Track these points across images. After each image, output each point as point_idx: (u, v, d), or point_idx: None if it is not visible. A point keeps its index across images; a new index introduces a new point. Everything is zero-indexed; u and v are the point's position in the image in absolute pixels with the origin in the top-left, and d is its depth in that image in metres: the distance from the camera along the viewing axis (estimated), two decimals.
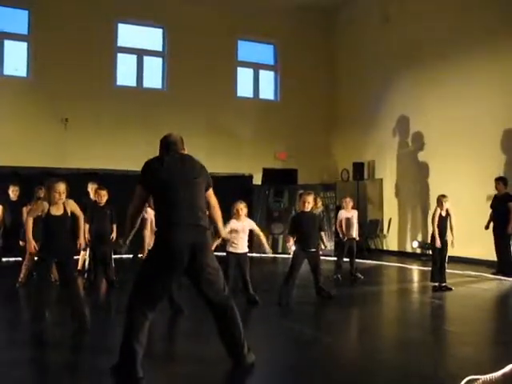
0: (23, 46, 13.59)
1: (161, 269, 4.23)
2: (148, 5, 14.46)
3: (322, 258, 7.88)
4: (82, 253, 9.63)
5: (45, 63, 13.35)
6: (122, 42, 14.57)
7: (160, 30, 15.15)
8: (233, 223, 7.34)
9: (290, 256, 7.69)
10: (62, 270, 5.92)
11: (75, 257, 6.58)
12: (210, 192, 4.58)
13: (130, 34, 14.79)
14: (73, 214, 6.08)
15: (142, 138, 13.62)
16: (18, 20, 13.46)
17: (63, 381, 4.37)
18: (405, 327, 6.45)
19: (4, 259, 10.14)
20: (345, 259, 9.87)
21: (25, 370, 4.55)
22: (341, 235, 9.90)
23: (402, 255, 13.91)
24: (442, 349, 5.57)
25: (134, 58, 14.83)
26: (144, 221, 7.70)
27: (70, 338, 5.60)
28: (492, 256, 10.65)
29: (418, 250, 13.59)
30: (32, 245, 6.06)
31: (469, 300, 8.18)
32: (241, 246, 7.34)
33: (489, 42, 11.82)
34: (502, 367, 4.39)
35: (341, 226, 9.86)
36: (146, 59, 15.00)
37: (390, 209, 14.79)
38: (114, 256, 8.78)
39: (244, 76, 16.19)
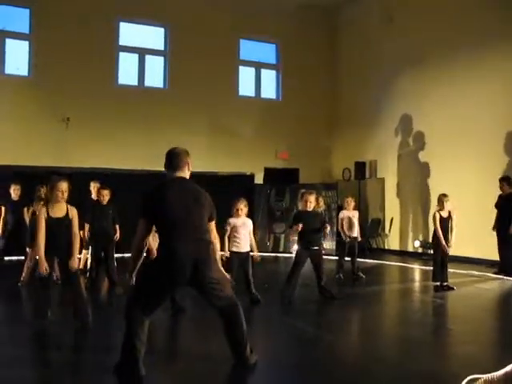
0: (25, 44, 13.58)
1: (162, 282, 4.25)
2: (150, 4, 14.45)
3: (324, 257, 7.89)
4: (84, 252, 9.65)
5: (46, 62, 13.31)
6: (123, 40, 14.55)
7: (162, 29, 15.13)
8: (232, 220, 7.36)
9: (292, 255, 7.70)
10: (65, 268, 5.92)
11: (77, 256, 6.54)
12: (213, 225, 4.52)
13: (131, 33, 14.76)
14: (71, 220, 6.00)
15: (143, 137, 13.65)
16: (19, 18, 13.44)
17: (65, 379, 4.38)
18: (406, 326, 6.45)
19: (6, 258, 10.15)
20: (346, 258, 9.87)
21: (27, 369, 4.55)
22: (342, 235, 9.89)
23: (403, 254, 13.91)
24: (443, 348, 5.58)
25: (135, 56, 14.81)
26: None
27: (72, 336, 5.61)
28: (494, 256, 10.65)
29: (420, 250, 13.58)
30: (43, 266, 5.70)
31: (470, 299, 8.18)
32: (243, 244, 7.34)
33: (491, 42, 11.79)
34: (504, 366, 4.39)
35: (342, 226, 9.86)
36: (148, 58, 14.98)
37: (392, 208, 14.78)
38: (115, 255, 8.78)
39: (246, 75, 16.17)
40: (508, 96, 11.48)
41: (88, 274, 8.93)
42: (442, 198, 8.78)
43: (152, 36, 15.12)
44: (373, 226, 15.06)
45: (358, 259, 10.05)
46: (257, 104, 15.98)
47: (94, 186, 9.51)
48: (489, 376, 4.14)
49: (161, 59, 15.11)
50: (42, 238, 5.72)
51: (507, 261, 10.22)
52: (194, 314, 6.62)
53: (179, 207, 4.26)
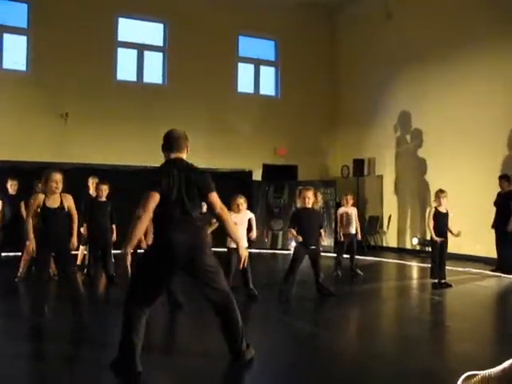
0: (23, 39, 13.54)
1: (158, 269, 4.25)
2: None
3: (322, 254, 7.88)
4: (82, 248, 9.64)
5: (45, 57, 13.29)
6: (122, 36, 14.52)
7: (161, 25, 15.10)
8: (232, 215, 7.32)
9: (290, 252, 7.69)
10: (61, 263, 5.92)
11: (74, 252, 6.54)
12: (214, 196, 4.38)
13: (130, 29, 14.74)
14: (68, 210, 6.05)
15: (142, 132, 13.63)
16: (17, 13, 13.41)
17: (62, 375, 4.37)
18: (404, 323, 6.45)
19: (3, 254, 10.13)
20: (345, 256, 9.87)
21: (24, 364, 4.55)
22: (339, 232, 9.90)
23: (401, 252, 13.92)
24: (441, 345, 5.59)
25: (134, 52, 14.79)
26: None
27: (69, 332, 5.61)
28: (491, 253, 10.66)
29: (418, 247, 13.60)
30: (32, 246, 5.91)
31: (468, 297, 8.19)
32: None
33: (490, 41, 11.78)
34: (501, 363, 4.39)
35: (341, 222, 9.86)
36: (147, 54, 14.96)
37: (390, 205, 14.79)
38: (113, 251, 8.77)
39: (245, 72, 16.16)
40: (507, 94, 11.48)
41: (86, 270, 8.92)
42: (439, 194, 8.78)
43: (151, 32, 15.10)
44: (371, 224, 15.07)
45: (356, 256, 10.06)
46: (256, 101, 15.96)
47: (92, 182, 9.49)
48: (486, 373, 4.14)
49: (160, 55, 15.08)
50: (30, 222, 5.92)
51: (505, 258, 10.22)
52: (191, 310, 6.61)
53: (178, 189, 4.26)
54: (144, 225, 4.23)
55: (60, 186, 5.86)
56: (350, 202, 9.99)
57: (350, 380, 4.31)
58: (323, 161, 16.57)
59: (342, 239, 9.84)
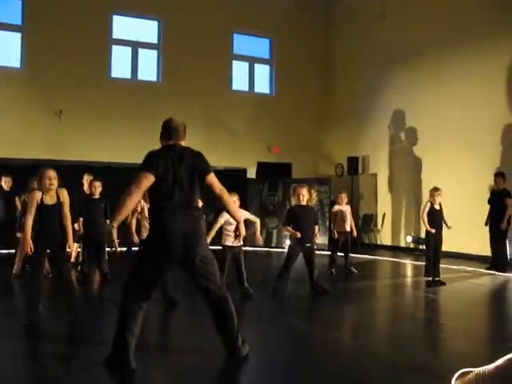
0: (17, 36, 13.48)
1: (155, 257, 4.24)
2: None
3: (316, 252, 7.89)
4: (76, 245, 9.62)
5: (39, 54, 13.23)
6: (116, 33, 14.48)
7: (155, 23, 15.07)
8: (226, 215, 7.32)
9: (285, 250, 7.69)
10: (55, 260, 5.91)
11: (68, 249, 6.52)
12: (212, 177, 4.39)
13: (124, 26, 14.70)
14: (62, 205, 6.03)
15: (136, 130, 13.58)
16: (11, 10, 13.34)
17: (57, 373, 4.36)
18: (399, 321, 6.46)
19: None
20: (339, 253, 9.89)
21: (18, 362, 4.54)
22: (333, 230, 9.92)
23: (395, 250, 13.94)
24: (435, 342, 5.60)
25: (128, 50, 14.75)
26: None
27: (64, 329, 5.60)
28: (485, 251, 10.69)
29: (412, 245, 13.63)
30: (28, 246, 5.82)
31: (462, 295, 8.21)
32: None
33: (484, 39, 11.81)
34: (495, 360, 4.41)
35: (335, 220, 9.87)
36: (141, 51, 14.92)
37: (384, 203, 14.82)
38: (107, 249, 8.75)
39: (239, 69, 16.14)
40: (501, 93, 11.52)
41: (80, 267, 8.89)
42: (433, 193, 8.82)
43: (145, 29, 15.06)
44: (365, 222, 15.10)
45: (351, 254, 10.07)
46: (250, 99, 15.95)
47: (87, 179, 9.47)
48: (480, 370, 4.17)
49: (154, 53, 15.05)
50: (30, 219, 5.80)
51: (499, 256, 10.26)
52: (186, 307, 6.61)
53: (175, 174, 4.24)
54: (133, 202, 4.21)
55: (55, 182, 5.85)
56: (345, 200, 10.01)
57: (345, 378, 4.31)
58: (317, 159, 16.57)
59: (337, 237, 9.86)
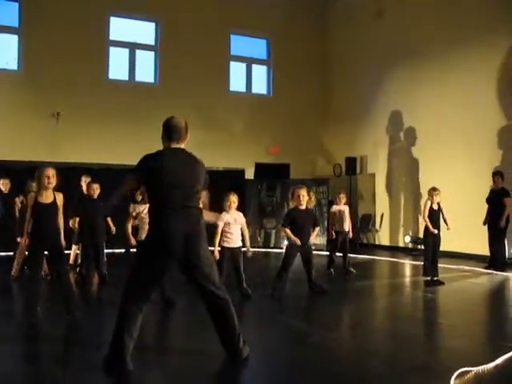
0: (14, 38, 13.47)
1: (155, 258, 4.23)
2: None
3: (314, 252, 7.90)
4: (74, 247, 9.62)
5: (36, 56, 13.24)
6: (114, 35, 14.48)
7: (152, 24, 15.08)
8: (225, 216, 7.33)
9: (283, 250, 7.69)
10: (53, 261, 5.90)
11: (67, 251, 6.52)
12: (203, 192, 4.63)
13: (122, 28, 14.70)
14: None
15: (134, 131, 13.60)
16: (8, 12, 13.33)
17: (54, 374, 4.35)
18: (397, 321, 6.46)
19: None
20: (337, 254, 9.89)
21: (16, 364, 4.53)
22: (331, 230, 9.92)
23: (394, 250, 13.94)
24: (434, 342, 5.61)
25: (126, 51, 14.75)
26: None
27: (62, 331, 5.58)
28: (484, 250, 10.70)
29: (410, 245, 13.63)
30: (25, 241, 5.93)
31: (461, 294, 8.21)
32: (235, 239, 7.32)
33: (481, 37, 11.82)
34: (494, 359, 4.41)
35: (334, 220, 9.87)
36: (139, 53, 14.92)
37: (383, 204, 14.82)
38: (105, 250, 8.74)
39: (237, 70, 16.15)
40: (499, 89, 11.53)
41: (78, 269, 8.88)
42: (431, 193, 8.83)
43: (143, 31, 15.05)
44: (363, 222, 15.10)
45: (349, 254, 10.07)
46: (248, 99, 15.96)
47: (85, 181, 9.45)
48: (479, 369, 4.16)
49: (151, 54, 15.05)
50: (28, 220, 5.88)
51: (498, 256, 10.27)
52: (183, 308, 6.61)
53: (175, 178, 4.24)
54: (121, 195, 4.43)
55: (53, 181, 5.85)
56: (343, 200, 10.01)
57: (344, 377, 4.31)
58: (315, 159, 16.59)
59: (335, 237, 9.86)
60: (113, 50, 14.53)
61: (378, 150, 14.92)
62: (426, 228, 8.83)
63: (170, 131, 4.43)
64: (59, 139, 13.09)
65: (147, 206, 6.74)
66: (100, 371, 4.16)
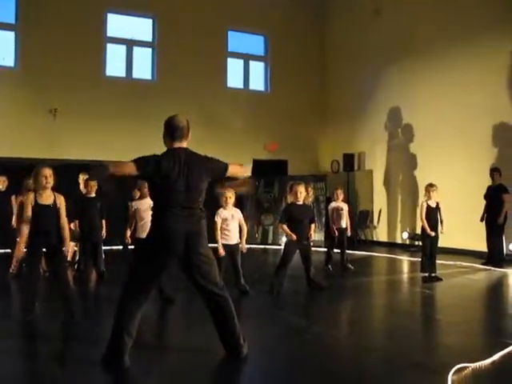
0: (10, 35, 13.43)
1: (155, 256, 4.24)
2: None
3: (312, 249, 7.90)
4: (72, 244, 9.60)
5: (33, 53, 13.21)
6: (111, 32, 14.45)
7: (150, 21, 15.05)
8: (222, 212, 7.33)
9: (281, 247, 7.69)
10: (52, 259, 5.89)
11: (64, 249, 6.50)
12: (230, 171, 4.59)
13: (119, 24, 14.66)
14: (59, 209, 5.99)
15: (131, 128, 13.59)
16: (5, 9, 13.29)
17: (52, 372, 4.34)
18: (395, 317, 6.47)
19: None
20: (335, 250, 9.89)
21: (14, 361, 4.52)
22: (331, 227, 9.91)
23: (391, 246, 13.97)
24: (432, 338, 5.62)
25: (123, 48, 14.72)
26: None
27: (60, 329, 5.58)
28: (481, 246, 10.72)
29: (408, 241, 13.64)
30: (22, 246, 5.86)
31: (459, 290, 8.23)
32: (233, 236, 7.33)
33: (480, 33, 11.81)
34: (492, 355, 4.42)
35: (332, 217, 9.87)
36: (136, 49, 14.90)
37: (380, 200, 14.83)
38: (103, 247, 8.74)
39: (234, 67, 16.13)
40: (497, 87, 11.53)
41: (76, 266, 8.88)
42: (428, 189, 8.84)
43: (140, 27, 15.02)
44: (361, 218, 15.11)
45: (347, 251, 10.08)
46: (245, 96, 15.94)
47: (82, 178, 9.44)
48: (477, 365, 4.18)
49: (149, 51, 15.02)
50: (26, 221, 5.78)
51: (495, 252, 10.29)
52: (182, 305, 6.61)
53: (180, 181, 4.23)
54: (119, 171, 4.29)
55: (50, 180, 5.81)
56: (341, 196, 10.01)
57: (342, 374, 4.31)
58: (313, 155, 16.59)
59: (333, 234, 9.86)
60: (110, 47, 14.50)
61: (376, 146, 14.93)
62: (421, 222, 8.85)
63: (173, 130, 4.41)
64: (56, 136, 13.07)
65: (145, 201, 6.78)
66: (98, 368, 4.16)
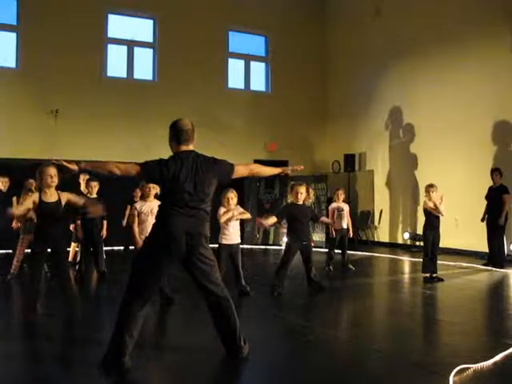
0: (12, 36, 13.44)
1: (156, 256, 4.23)
2: None
3: (313, 249, 7.90)
4: (73, 244, 9.61)
5: (34, 54, 13.22)
6: (112, 32, 14.46)
7: (151, 21, 15.05)
8: (222, 212, 7.30)
9: (282, 247, 7.68)
10: (54, 260, 5.89)
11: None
12: (236, 172, 4.61)
13: (120, 25, 14.67)
14: (70, 203, 6.02)
15: (132, 129, 13.59)
16: (6, 10, 13.30)
17: (53, 372, 4.35)
18: (397, 317, 6.46)
19: None
20: (336, 250, 9.89)
21: (15, 362, 4.52)
22: (331, 228, 9.91)
23: (393, 246, 13.96)
24: (433, 338, 5.61)
25: (124, 48, 14.73)
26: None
27: (61, 329, 5.58)
28: (482, 247, 10.71)
29: (409, 242, 13.63)
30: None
31: (460, 291, 8.21)
32: (233, 236, 7.30)
33: (479, 33, 11.83)
34: (493, 356, 4.42)
35: (333, 217, 9.87)
36: (137, 50, 14.90)
37: (381, 200, 14.82)
38: (104, 248, 8.74)
39: (235, 67, 16.13)
40: (497, 87, 11.52)
41: (77, 266, 8.88)
42: (428, 189, 8.81)
43: (141, 28, 15.03)
44: (362, 219, 15.11)
45: (348, 251, 10.08)
46: (246, 96, 15.95)
47: (83, 179, 9.45)
48: (478, 366, 4.17)
49: (150, 51, 15.03)
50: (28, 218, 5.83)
51: (496, 252, 10.27)
52: (182, 305, 6.61)
53: (187, 184, 4.25)
54: (114, 168, 4.28)
55: (55, 179, 5.83)
56: (342, 197, 10.02)
57: (344, 374, 4.31)
58: (314, 156, 16.58)
59: (334, 234, 9.86)
60: (111, 48, 14.51)
61: (377, 146, 14.92)
62: (425, 224, 8.82)
63: (179, 134, 4.42)
64: (57, 137, 13.08)
65: (147, 205, 6.70)
66: (99, 369, 4.15)
